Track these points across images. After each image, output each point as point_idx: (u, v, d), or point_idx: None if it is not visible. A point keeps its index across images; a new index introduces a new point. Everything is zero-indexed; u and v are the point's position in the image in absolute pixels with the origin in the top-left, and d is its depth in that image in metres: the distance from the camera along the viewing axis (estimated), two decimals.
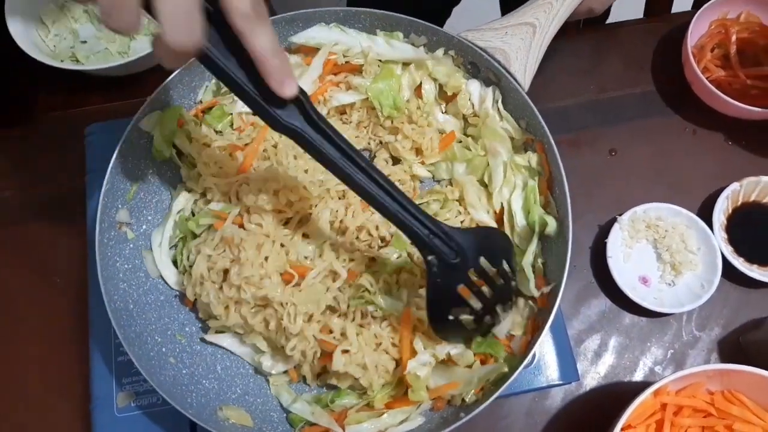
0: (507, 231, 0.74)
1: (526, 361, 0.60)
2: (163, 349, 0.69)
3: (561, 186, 0.68)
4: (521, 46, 0.70)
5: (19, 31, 0.95)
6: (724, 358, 0.81)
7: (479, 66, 0.72)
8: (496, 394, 0.61)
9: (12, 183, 0.89)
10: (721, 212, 0.84)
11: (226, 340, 0.73)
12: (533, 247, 0.70)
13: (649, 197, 0.84)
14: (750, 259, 0.82)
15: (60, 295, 0.81)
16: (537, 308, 0.69)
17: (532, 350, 0.62)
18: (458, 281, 0.63)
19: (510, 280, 0.66)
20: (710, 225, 0.82)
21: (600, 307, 0.83)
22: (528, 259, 0.69)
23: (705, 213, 0.84)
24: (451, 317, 0.64)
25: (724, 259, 0.81)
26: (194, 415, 0.62)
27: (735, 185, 0.84)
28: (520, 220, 0.72)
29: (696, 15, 0.88)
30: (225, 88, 0.77)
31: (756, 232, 0.85)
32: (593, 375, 0.80)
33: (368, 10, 0.75)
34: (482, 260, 0.63)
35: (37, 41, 0.99)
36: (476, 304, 0.64)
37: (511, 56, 0.69)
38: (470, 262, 0.62)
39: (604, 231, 0.84)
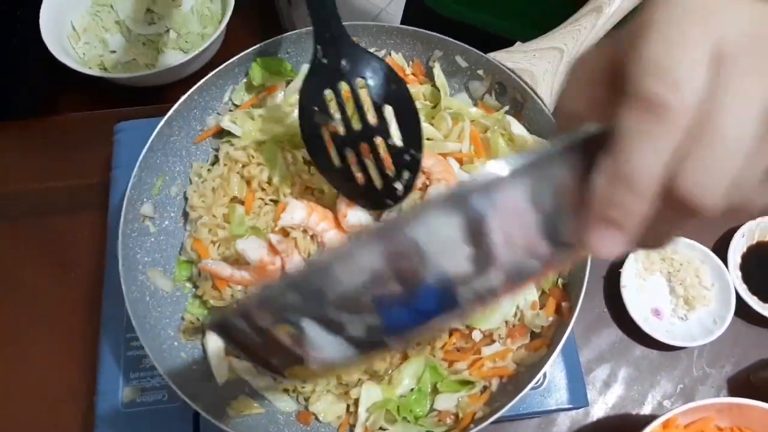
0: None
1: (534, 382, 0.60)
2: (175, 344, 0.69)
3: None
4: (548, 69, 0.71)
5: (50, 35, 0.96)
6: (734, 395, 0.79)
7: (506, 86, 0.73)
8: (501, 412, 0.60)
9: (32, 176, 0.90)
10: (736, 250, 0.84)
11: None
12: None
13: None
14: (764, 298, 0.82)
15: (75, 287, 0.82)
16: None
17: (543, 370, 0.62)
18: (326, 84, 0.62)
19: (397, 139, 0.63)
20: (725, 262, 0.83)
21: (611, 337, 0.83)
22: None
23: (721, 249, 0.84)
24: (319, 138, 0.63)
25: (738, 297, 0.81)
26: (203, 409, 0.61)
27: (751, 224, 0.84)
28: None
29: None
30: (257, 88, 0.79)
31: None
32: (601, 405, 0.80)
33: (401, 26, 0.77)
34: (359, 81, 0.62)
35: (67, 47, 1.01)
36: (336, 115, 0.62)
37: (538, 78, 0.71)
38: (346, 75, 0.61)
39: (619, 261, 0.84)
